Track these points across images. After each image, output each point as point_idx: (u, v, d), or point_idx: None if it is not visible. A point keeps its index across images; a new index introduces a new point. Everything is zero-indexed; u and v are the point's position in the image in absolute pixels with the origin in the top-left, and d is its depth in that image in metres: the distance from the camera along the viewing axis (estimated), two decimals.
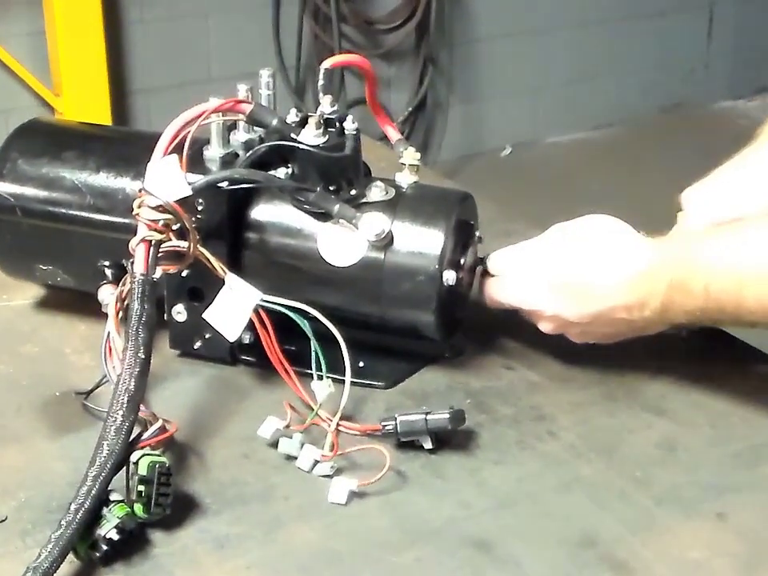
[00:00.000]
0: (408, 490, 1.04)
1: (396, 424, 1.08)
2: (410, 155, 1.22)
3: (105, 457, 0.97)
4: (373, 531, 0.99)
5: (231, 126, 1.21)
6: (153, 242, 1.07)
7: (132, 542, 0.96)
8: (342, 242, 1.16)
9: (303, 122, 1.17)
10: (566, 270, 1.16)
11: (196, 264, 1.12)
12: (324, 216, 1.17)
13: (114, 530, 0.95)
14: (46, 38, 3.49)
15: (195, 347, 1.22)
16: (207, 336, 1.20)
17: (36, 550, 0.91)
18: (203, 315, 1.14)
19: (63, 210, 1.25)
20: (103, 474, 0.96)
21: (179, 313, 1.20)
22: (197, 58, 3.81)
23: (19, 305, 1.35)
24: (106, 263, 1.21)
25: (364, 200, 1.17)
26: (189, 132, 1.11)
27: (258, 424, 1.09)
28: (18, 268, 1.31)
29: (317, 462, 1.06)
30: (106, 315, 1.16)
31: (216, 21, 3.82)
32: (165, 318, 1.20)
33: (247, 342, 1.18)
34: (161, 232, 1.07)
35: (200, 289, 1.18)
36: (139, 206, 1.07)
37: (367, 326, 1.20)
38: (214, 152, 1.19)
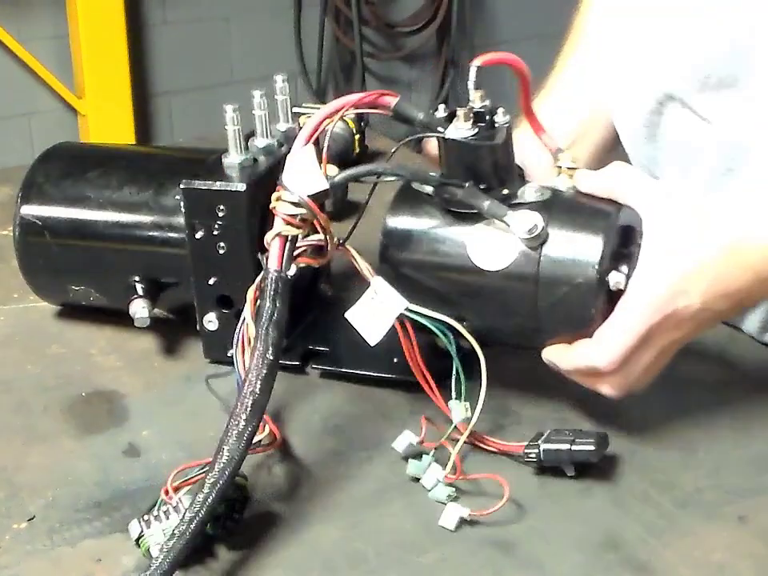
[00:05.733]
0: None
1: (539, 452, 1.05)
2: (567, 159, 1.12)
3: (224, 463, 0.92)
4: (397, 531, 1.00)
5: (249, 133, 1.20)
6: (288, 238, 1.03)
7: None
8: (492, 244, 1.07)
9: (450, 117, 1.09)
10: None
11: (224, 271, 1.12)
12: (471, 217, 1.07)
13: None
14: (69, 41, 3.51)
15: (228, 355, 1.22)
16: None
17: (64, 548, 0.92)
18: (345, 314, 1.07)
19: (90, 229, 1.26)
20: (221, 482, 0.91)
21: (210, 321, 1.20)
22: (219, 60, 3.83)
23: (46, 307, 1.36)
24: (136, 278, 1.23)
25: (517, 201, 1.08)
26: (327, 127, 1.05)
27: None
28: (51, 290, 1.32)
29: (439, 481, 1.04)
30: (130, 318, 1.18)
31: (238, 23, 3.84)
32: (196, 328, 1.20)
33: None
34: (298, 227, 1.03)
35: (228, 297, 1.18)
36: (276, 200, 1.03)
37: (516, 342, 1.14)
38: (232, 159, 1.18)
